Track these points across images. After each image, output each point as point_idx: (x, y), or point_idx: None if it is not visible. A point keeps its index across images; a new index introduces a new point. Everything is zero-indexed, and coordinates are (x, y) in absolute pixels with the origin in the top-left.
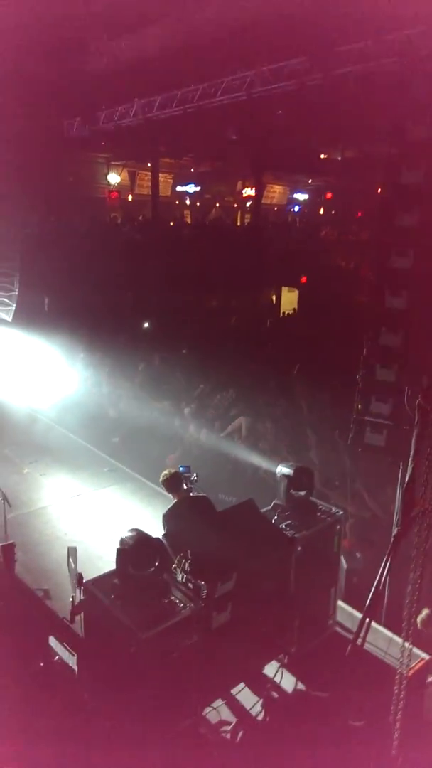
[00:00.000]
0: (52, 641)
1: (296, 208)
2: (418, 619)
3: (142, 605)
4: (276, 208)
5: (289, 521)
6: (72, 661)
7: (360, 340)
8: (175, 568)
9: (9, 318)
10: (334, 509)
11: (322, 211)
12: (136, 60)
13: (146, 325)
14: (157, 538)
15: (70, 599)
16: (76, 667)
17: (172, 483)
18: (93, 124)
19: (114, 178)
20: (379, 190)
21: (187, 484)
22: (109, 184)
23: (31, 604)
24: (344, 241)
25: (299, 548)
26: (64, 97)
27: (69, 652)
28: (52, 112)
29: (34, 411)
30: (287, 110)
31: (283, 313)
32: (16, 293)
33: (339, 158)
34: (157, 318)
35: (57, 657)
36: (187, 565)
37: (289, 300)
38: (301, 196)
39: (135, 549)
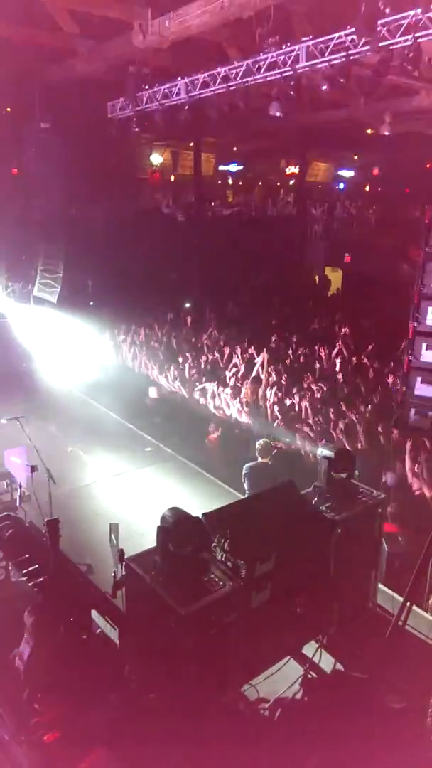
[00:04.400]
0: (95, 615)
1: (341, 186)
2: (431, 603)
3: (182, 582)
4: (320, 186)
5: (330, 503)
6: (114, 634)
7: (405, 322)
8: (214, 547)
9: (54, 299)
10: (375, 492)
11: (368, 188)
12: (180, 38)
13: (188, 305)
14: (197, 517)
15: (112, 574)
16: (117, 641)
17: (263, 450)
18: (136, 104)
19: (156, 158)
20: (428, 166)
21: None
22: (151, 164)
23: (74, 578)
24: (391, 219)
25: (339, 530)
26: (108, 78)
27: (111, 625)
28: (97, 93)
29: (79, 391)
30: (333, 85)
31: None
32: (61, 275)
33: (386, 133)
34: (201, 298)
35: (99, 630)
36: (226, 544)
37: (332, 280)
38: (347, 173)
39: (175, 527)
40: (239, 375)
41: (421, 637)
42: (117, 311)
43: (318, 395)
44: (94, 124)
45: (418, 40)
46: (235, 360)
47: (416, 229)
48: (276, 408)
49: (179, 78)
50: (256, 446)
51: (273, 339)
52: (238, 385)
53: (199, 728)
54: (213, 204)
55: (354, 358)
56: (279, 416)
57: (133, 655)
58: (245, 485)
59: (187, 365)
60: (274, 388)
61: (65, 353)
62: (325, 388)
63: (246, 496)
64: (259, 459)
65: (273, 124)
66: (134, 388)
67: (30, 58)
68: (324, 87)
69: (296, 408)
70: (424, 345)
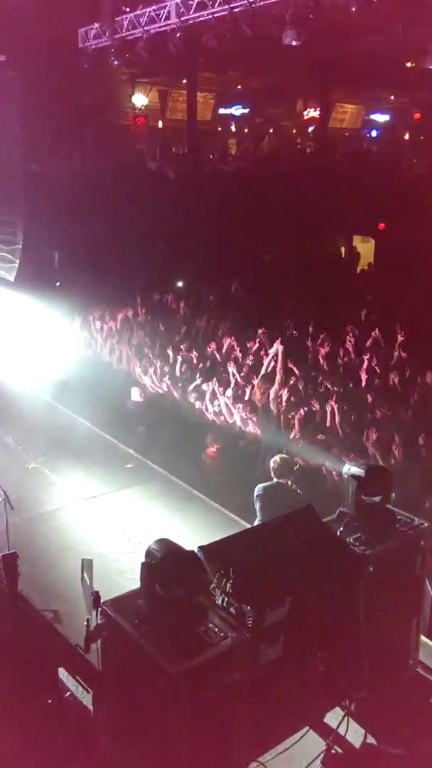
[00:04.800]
0: (63, 674)
1: (374, 133)
2: None
3: (173, 633)
4: (347, 134)
5: (359, 534)
6: (87, 698)
7: None
8: (213, 588)
9: (11, 277)
10: (417, 520)
11: (407, 137)
12: None
13: (180, 284)
14: (191, 552)
15: (85, 623)
16: (91, 706)
17: (281, 468)
18: (115, 31)
19: (140, 99)
20: None
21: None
22: (134, 107)
23: (37, 629)
24: None
25: (371, 568)
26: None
27: (83, 687)
28: (66, 17)
29: (43, 393)
30: (363, 5)
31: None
32: (20, 247)
33: (431, 67)
34: (196, 276)
35: (68, 693)
36: (228, 585)
37: (363, 253)
38: (381, 118)
39: (164, 564)
40: (244, 373)
41: None
42: (90, 292)
43: (344, 398)
44: (62, 57)
45: None
46: (238, 354)
47: None
48: (291, 414)
49: None
50: (271, 464)
51: (288, 327)
52: (242, 383)
53: None
54: (211, 157)
55: (394, 353)
56: (295, 424)
57: (112, 724)
58: (257, 510)
59: (178, 360)
60: (289, 389)
61: (26, 345)
62: (353, 389)
63: (254, 524)
64: (275, 480)
65: (287, 56)
66: (112, 389)
67: None
68: (352, 8)
69: (317, 414)
70: None
